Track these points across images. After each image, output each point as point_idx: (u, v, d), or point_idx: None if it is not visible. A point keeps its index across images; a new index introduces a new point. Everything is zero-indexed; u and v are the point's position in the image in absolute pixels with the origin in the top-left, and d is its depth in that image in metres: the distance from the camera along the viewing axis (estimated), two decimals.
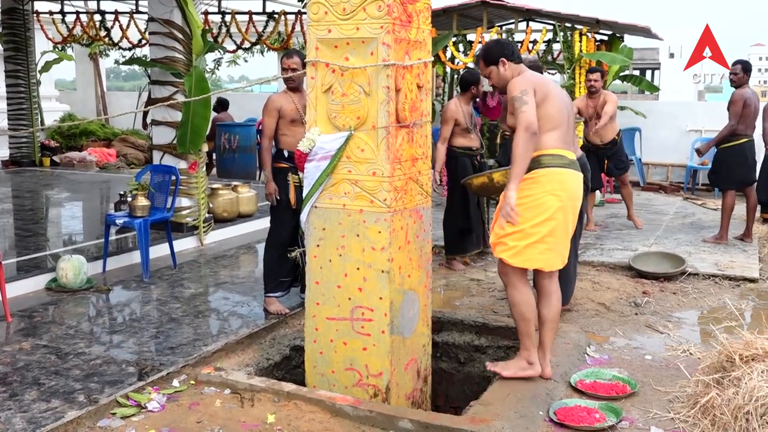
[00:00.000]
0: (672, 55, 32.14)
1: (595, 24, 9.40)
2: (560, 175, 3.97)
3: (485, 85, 6.82)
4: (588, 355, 4.59)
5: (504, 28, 10.16)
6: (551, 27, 9.39)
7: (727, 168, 7.40)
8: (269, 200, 5.17)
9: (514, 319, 4.12)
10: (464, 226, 6.66)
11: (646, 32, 10.78)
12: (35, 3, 12.84)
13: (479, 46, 9.14)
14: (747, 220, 7.73)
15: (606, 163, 8.18)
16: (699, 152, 7.73)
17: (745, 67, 7.36)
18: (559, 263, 4.07)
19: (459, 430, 3.42)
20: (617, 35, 10.31)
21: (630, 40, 10.76)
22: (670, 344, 4.81)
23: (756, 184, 7.94)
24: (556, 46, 9.36)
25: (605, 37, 10.30)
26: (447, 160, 6.69)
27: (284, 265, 5.19)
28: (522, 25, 9.74)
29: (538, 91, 3.95)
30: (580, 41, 9.11)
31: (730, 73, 7.45)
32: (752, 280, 6.30)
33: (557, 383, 4.06)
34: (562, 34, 9.06)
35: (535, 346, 4.10)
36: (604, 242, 7.60)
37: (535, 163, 3.97)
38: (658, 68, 30.56)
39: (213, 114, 12.29)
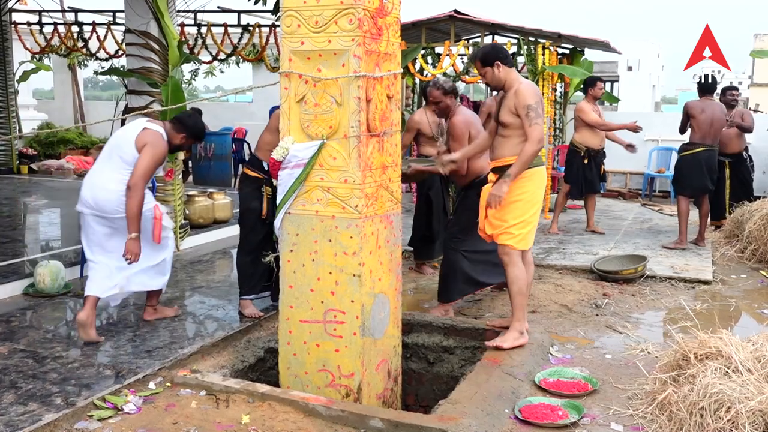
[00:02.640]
0: (630, 68, 32.82)
1: (557, 38, 9.61)
2: (542, 171, 4.75)
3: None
4: (551, 354, 4.71)
5: (471, 41, 10.34)
6: (516, 41, 9.59)
7: (682, 175, 7.66)
8: None
9: (511, 293, 4.68)
10: (426, 233, 6.80)
11: (605, 46, 11.03)
12: (13, 14, 12.84)
13: (447, 59, 9.32)
14: (700, 226, 7.95)
15: (603, 168, 8.62)
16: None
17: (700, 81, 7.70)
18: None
19: (428, 428, 3.49)
20: (578, 49, 10.54)
21: (590, 54, 11.03)
22: (629, 344, 4.94)
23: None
24: (521, 59, 9.54)
25: (567, 51, 10.52)
26: None
27: (257, 267, 5.23)
28: (488, 39, 9.92)
29: (540, 102, 4.54)
30: (543, 54, 9.31)
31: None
32: (706, 282, 6.51)
33: (522, 382, 4.17)
34: (526, 47, 9.26)
35: (525, 318, 4.74)
36: (567, 246, 7.79)
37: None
38: (617, 80, 31.20)
39: None
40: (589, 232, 8.59)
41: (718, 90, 8.31)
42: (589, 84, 8.52)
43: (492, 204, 4.56)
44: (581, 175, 8.53)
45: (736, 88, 8.94)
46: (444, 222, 6.82)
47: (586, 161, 8.45)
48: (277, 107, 4.30)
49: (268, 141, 5.12)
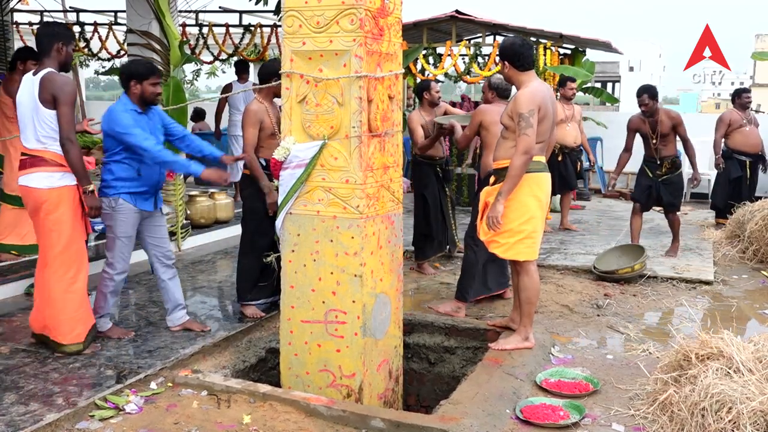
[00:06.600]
0: (631, 69, 32.92)
1: (558, 38, 9.62)
2: (538, 178, 4.51)
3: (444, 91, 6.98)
4: (552, 355, 4.70)
5: (472, 41, 10.36)
6: None
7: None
8: (273, 210, 5.02)
9: (521, 300, 4.62)
10: (425, 231, 6.80)
11: (607, 47, 11.04)
12: (15, 14, 12.84)
13: (448, 59, 9.35)
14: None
15: (579, 165, 8.62)
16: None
17: (653, 94, 7.35)
18: (537, 253, 4.66)
19: (429, 428, 3.49)
20: (580, 49, 10.53)
21: (592, 54, 11.02)
22: (630, 344, 4.94)
23: (712, 190, 8.50)
24: None
25: (568, 51, 10.51)
26: (412, 167, 6.88)
27: (263, 270, 5.22)
28: (489, 39, 9.93)
29: (541, 109, 4.37)
30: (545, 54, 9.32)
31: (640, 104, 7.38)
32: (707, 283, 6.49)
33: (523, 382, 4.17)
34: None
35: (532, 325, 4.71)
36: (568, 247, 7.78)
37: None
38: (619, 81, 31.29)
39: (191, 124, 12.45)
40: (564, 230, 8.58)
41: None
42: (560, 84, 8.57)
43: (490, 226, 4.43)
44: (556, 172, 8.54)
45: (749, 90, 8.90)
46: (441, 220, 6.82)
47: (560, 158, 8.47)
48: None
49: (254, 137, 5.10)
